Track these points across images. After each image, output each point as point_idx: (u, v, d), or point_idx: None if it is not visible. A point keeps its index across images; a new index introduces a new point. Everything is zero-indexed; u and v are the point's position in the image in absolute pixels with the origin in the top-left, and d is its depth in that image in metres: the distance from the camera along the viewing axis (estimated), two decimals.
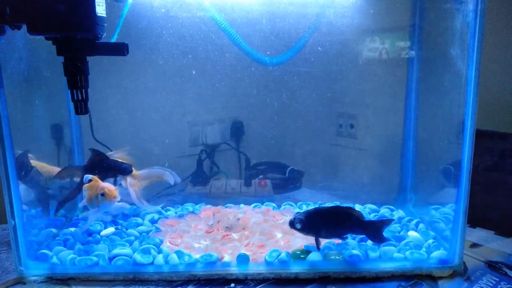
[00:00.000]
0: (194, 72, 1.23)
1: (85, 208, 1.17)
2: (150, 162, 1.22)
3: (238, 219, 1.13)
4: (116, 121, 1.35)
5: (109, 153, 1.19)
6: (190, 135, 1.47)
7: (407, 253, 0.99)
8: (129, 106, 1.36)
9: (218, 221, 1.13)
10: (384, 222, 1.03)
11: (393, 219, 1.01)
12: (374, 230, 1.01)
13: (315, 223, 0.99)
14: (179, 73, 1.30)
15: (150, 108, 1.37)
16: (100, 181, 1.05)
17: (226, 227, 1.11)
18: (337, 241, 1.03)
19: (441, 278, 0.98)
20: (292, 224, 0.99)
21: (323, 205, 1.01)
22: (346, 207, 1.01)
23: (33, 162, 1.09)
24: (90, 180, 1.06)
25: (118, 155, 1.18)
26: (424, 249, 1.02)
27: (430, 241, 1.04)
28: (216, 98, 1.38)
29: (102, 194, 1.02)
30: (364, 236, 1.04)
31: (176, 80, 1.32)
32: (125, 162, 1.16)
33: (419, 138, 1.27)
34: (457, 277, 0.98)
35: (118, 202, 1.05)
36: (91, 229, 1.13)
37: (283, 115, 1.42)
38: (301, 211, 1.01)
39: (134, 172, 1.17)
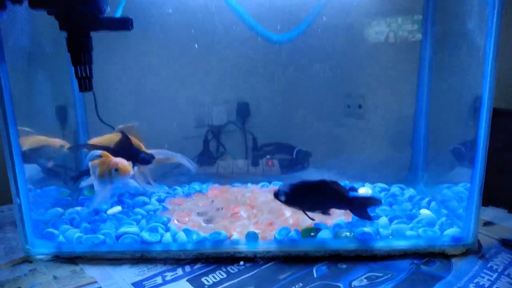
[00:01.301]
0: (196, 46, 1.20)
1: (91, 188, 1.16)
2: (156, 143, 1.20)
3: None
4: (120, 101, 1.33)
5: (117, 128, 1.17)
6: (196, 115, 1.45)
7: (420, 230, 0.97)
8: (134, 86, 1.33)
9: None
10: (369, 200, 0.99)
11: (381, 201, 0.97)
12: (358, 207, 0.97)
13: (299, 196, 0.96)
14: (184, 52, 1.27)
15: (155, 89, 1.34)
16: (111, 156, 1.03)
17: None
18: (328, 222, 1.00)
19: (454, 256, 0.96)
20: (276, 195, 0.96)
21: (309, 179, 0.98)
22: (332, 182, 0.97)
23: (34, 137, 1.07)
24: (98, 156, 1.03)
25: (125, 129, 1.16)
26: (437, 226, 0.99)
27: (443, 219, 1.02)
28: (222, 77, 1.35)
29: (116, 170, 1.00)
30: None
31: (181, 59, 1.30)
32: (141, 147, 1.14)
33: (431, 116, 1.23)
34: (470, 255, 0.96)
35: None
36: (97, 208, 1.11)
37: (289, 96, 1.40)
38: (287, 183, 0.98)
39: (144, 149, 1.15)
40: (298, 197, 0.96)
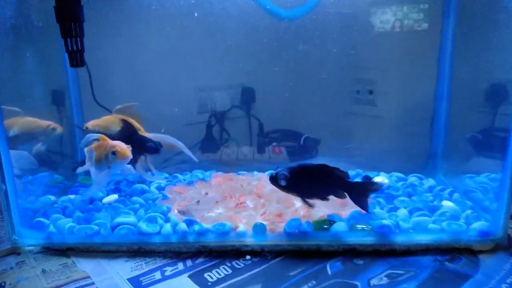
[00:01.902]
0: (196, 14, 1.10)
1: (87, 174, 1.08)
2: (156, 130, 1.12)
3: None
4: (118, 84, 1.24)
5: (116, 108, 1.09)
6: (198, 101, 1.36)
7: (444, 224, 0.89)
8: (133, 68, 1.25)
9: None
10: (370, 185, 0.90)
11: (383, 185, 0.88)
12: (359, 193, 0.88)
13: (298, 180, 0.87)
14: (187, 34, 1.18)
15: (156, 72, 1.25)
16: (108, 139, 0.95)
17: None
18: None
19: (481, 252, 0.87)
20: (274, 180, 0.87)
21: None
22: (332, 167, 0.88)
23: (22, 118, 0.99)
24: (94, 140, 0.95)
25: (125, 110, 1.09)
26: (462, 220, 0.91)
27: (468, 211, 0.93)
28: (225, 61, 1.26)
29: (113, 153, 0.92)
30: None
31: (183, 41, 1.21)
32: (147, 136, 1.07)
33: (453, 100, 1.14)
34: (500, 251, 0.88)
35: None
36: (92, 196, 1.03)
37: (297, 80, 1.30)
38: (284, 167, 0.88)
39: (143, 132, 1.07)
40: (297, 182, 0.87)
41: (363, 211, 0.89)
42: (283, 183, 0.86)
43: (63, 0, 0.81)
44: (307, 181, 0.88)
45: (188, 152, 1.10)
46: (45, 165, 1.12)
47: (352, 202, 0.89)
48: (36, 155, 1.04)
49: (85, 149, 0.98)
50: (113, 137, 1.01)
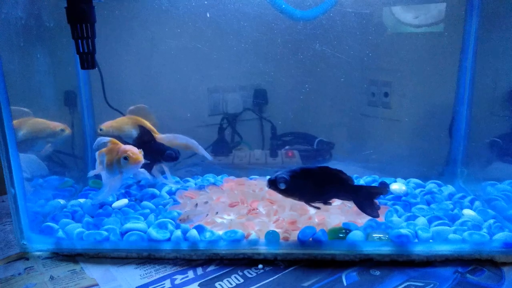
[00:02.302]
0: (208, 15, 1.08)
1: (97, 177, 1.06)
2: (167, 132, 1.11)
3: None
4: (130, 86, 1.23)
5: (129, 109, 1.09)
6: (210, 102, 1.34)
7: (465, 234, 0.85)
8: (146, 70, 1.23)
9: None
10: (375, 189, 0.87)
11: (388, 189, 0.86)
12: (364, 197, 0.85)
13: (299, 183, 0.83)
14: (200, 36, 1.16)
15: (168, 73, 1.24)
16: (120, 143, 0.93)
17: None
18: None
19: (505, 264, 0.83)
20: (273, 183, 0.83)
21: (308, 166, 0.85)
22: (335, 169, 0.85)
23: (31, 119, 0.98)
24: (105, 144, 0.94)
25: (138, 111, 1.09)
26: (484, 230, 0.87)
27: (491, 221, 0.89)
28: (238, 63, 1.24)
29: (125, 158, 0.90)
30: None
31: (196, 43, 1.18)
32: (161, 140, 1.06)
33: (474, 105, 1.10)
34: None
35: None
36: (102, 201, 1.01)
37: (310, 82, 1.27)
38: (283, 171, 0.84)
39: (157, 134, 1.06)
40: (298, 185, 0.83)
41: (369, 216, 0.86)
42: (282, 186, 0.82)
43: (75, 1, 0.79)
44: (308, 184, 0.84)
45: (202, 150, 1.09)
46: (55, 167, 1.11)
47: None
48: (44, 157, 1.03)
49: (96, 153, 0.96)
50: (132, 145, 1.00)
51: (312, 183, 0.84)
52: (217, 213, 0.93)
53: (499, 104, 1.10)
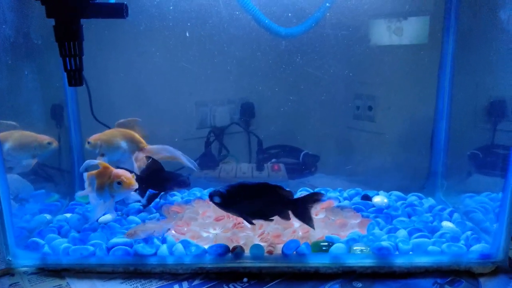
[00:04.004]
0: (187, 34, 1.10)
1: (85, 198, 1.07)
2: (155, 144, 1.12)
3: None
4: (117, 100, 1.24)
5: (118, 122, 1.09)
6: (198, 116, 1.36)
7: (444, 246, 0.87)
8: (132, 84, 1.25)
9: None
10: (311, 197, 0.87)
11: (323, 194, 0.87)
12: (302, 207, 0.86)
13: (237, 199, 0.84)
14: (186, 50, 1.18)
15: (155, 87, 1.25)
16: (111, 167, 0.94)
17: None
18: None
19: (482, 275, 0.86)
20: (210, 197, 0.84)
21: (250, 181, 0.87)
22: (275, 185, 0.86)
23: (18, 132, 0.99)
24: (92, 167, 0.94)
25: (127, 124, 1.09)
26: (462, 241, 0.90)
27: (468, 233, 0.92)
28: (225, 77, 1.26)
29: (119, 183, 0.91)
30: None
31: (182, 57, 1.21)
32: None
33: (452, 118, 1.13)
34: (501, 274, 0.86)
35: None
36: (88, 215, 1.02)
37: (296, 96, 1.30)
38: (224, 185, 0.85)
39: (145, 145, 1.07)
40: (236, 201, 0.84)
41: (310, 227, 0.88)
42: (216, 200, 0.83)
43: (62, 20, 0.80)
44: (246, 200, 0.85)
45: (186, 161, 1.09)
46: (41, 182, 1.11)
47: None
48: (30, 172, 1.03)
49: (85, 174, 0.96)
50: (141, 176, 1.02)
51: (250, 198, 0.85)
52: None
53: (478, 117, 1.13)
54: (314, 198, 0.87)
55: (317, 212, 1.01)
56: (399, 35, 1.20)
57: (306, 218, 0.87)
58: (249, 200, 0.85)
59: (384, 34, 1.22)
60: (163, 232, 0.93)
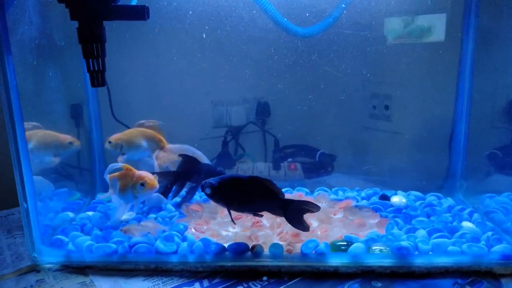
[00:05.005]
0: (204, 36, 1.12)
1: (105, 190, 1.09)
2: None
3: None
4: (136, 100, 1.26)
5: (138, 122, 1.11)
6: (214, 115, 1.37)
7: (464, 246, 0.87)
8: (151, 85, 1.26)
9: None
10: (305, 204, 0.87)
11: (319, 207, 0.86)
12: (293, 212, 0.86)
13: (227, 191, 0.85)
14: (203, 50, 1.19)
15: (172, 88, 1.27)
16: (134, 169, 0.96)
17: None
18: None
19: (503, 275, 0.85)
20: (202, 188, 0.85)
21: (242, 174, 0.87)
22: (266, 180, 0.85)
23: (41, 131, 1.01)
24: (116, 170, 0.96)
25: (147, 125, 1.11)
26: (483, 242, 0.89)
27: (489, 233, 0.92)
28: (242, 76, 1.27)
29: (142, 184, 0.93)
30: None
31: (199, 57, 1.22)
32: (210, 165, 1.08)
33: (472, 118, 1.13)
34: None
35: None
36: (110, 213, 1.04)
37: (312, 95, 1.30)
38: (216, 177, 0.86)
39: (165, 144, 1.08)
40: (225, 193, 0.85)
41: (303, 230, 0.88)
42: (207, 191, 0.84)
43: (86, 22, 0.82)
44: (236, 193, 0.85)
45: (206, 161, 1.10)
46: (63, 180, 1.13)
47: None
48: (53, 171, 1.06)
49: (107, 176, 0.98)
50: (178, 172, 1.03)
51: (240, 191, 0.85)
52: (164, 231, 0.95)
53: (498, 116, 1.12)
54: (308, 208, 0.86)
55: (336, 212, 1.02)
56: (418, 33, 1.19)
57: (294, 221, 0.87)
58: (240, 193, 0.85)
59: (402, 33, 1.21)
60: (158, 232, 0.94)
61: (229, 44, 1.16)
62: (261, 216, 0.89)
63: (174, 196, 1.06)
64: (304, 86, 1.25)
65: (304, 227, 0.87)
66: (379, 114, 1.36)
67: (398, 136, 1.34)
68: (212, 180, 0.85)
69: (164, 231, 0.95)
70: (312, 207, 0.87)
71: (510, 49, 1.01)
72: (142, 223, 0.98)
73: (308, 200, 0.95)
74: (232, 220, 0.89)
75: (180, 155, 1.06)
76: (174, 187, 1.04)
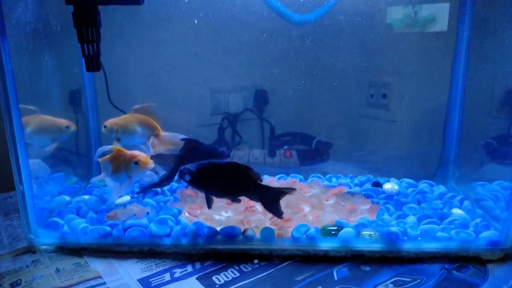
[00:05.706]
0: (196, 22, 1.11)
1: (101, 181, 1.10)
2: (169, 131, 1.14)
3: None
4: (133, 86, 1.27)
5: (134, 107, 1.11)
6: (212, 102, 1.38)
7: (453, 232, 0.88)
8: (148, 71, 1.27)
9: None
10: (281, 191, 0.88)
11: (295, 189, 0.87)
12: (269, 198, 0.88)
13: (206, 177, 0.85)
14: (200, 37, 1.19)
15: (170, 73, 1.27)
16: (124, 150, 0.97)
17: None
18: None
19: (490, 261, 0.87)
20: (181, 174, 0.85)
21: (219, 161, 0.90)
22: (244, 166, 0.85)
23: (38, 116, 1.02)
24: (106, 153, 0.97)
25: (143, 109, 1.11)
26: (471, 228, 0.91)
27: (478, 220, 0.93)
28: (239, 63, 1.27)
29: (136, 163, 0.93)
30: None
31: (196, 43, 1.22)
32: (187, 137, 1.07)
33: (466, 107, 1.13)
34: (509, 261, 0.87)
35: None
36: (105, 197, 1.05)
37: (309, 83, 1.31)
38: (195, 163, 0.87)
39: (160, 132, 1.10)
40: (205, 178, 0.85)
41: (276, 217, 0.89)
42: (187, 178, 0.85)
43: (81, 6, 0.82)
44: (214, 178, 0.86)
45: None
46: (60, 165, 1.15)
47: None
48: (50, 155, 1.07)
49: (99, 160, 0.99)
50: (181, 154, 1.03)
51: (218, 177, 0.86)
52: (147, 213, 0.96)
53: (494, 106, 1.13)
54: (283, 193, 0.88)
55: (328, 198, 1.03)
56: (414, 21, 1.19)
57: (270, 207, 0.88)
58: (218, 179, 0.86)
59: (399, 21, 1.21)
60: (143, 215, 0.95)
61: (227, 31, 1.16)
62: (239, 201, 0.90)
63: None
64: (302, 74, 1.26)
65: (279, 213, 0.88)
66: (377, 103, 1.36)
67: (394, 124, 1.35)
68: (190, 166, 0.85)
69: (147, 213, 0.96)
70: (288, 191, 0.88)
71: (505, 38, 1.01)
72: (127, 206, 0.99)
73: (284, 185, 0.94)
74: (209, 206, 0.88)
75: (182, 138, 1.07)
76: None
